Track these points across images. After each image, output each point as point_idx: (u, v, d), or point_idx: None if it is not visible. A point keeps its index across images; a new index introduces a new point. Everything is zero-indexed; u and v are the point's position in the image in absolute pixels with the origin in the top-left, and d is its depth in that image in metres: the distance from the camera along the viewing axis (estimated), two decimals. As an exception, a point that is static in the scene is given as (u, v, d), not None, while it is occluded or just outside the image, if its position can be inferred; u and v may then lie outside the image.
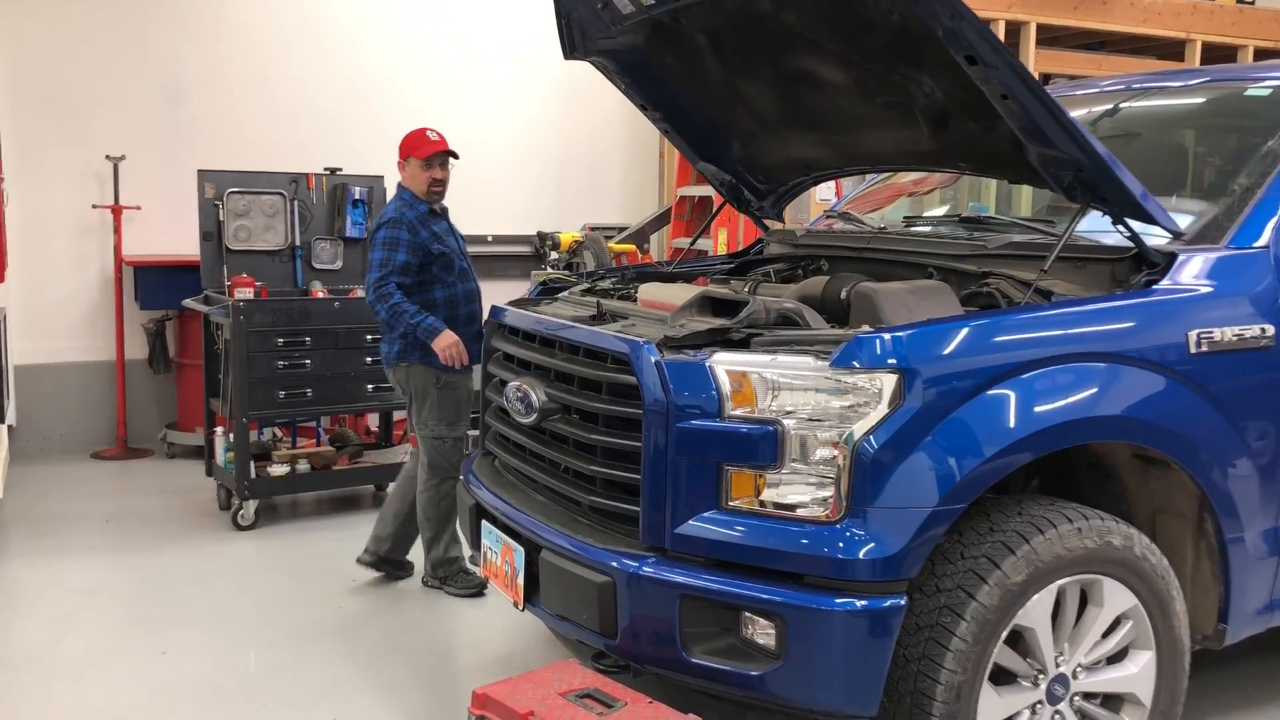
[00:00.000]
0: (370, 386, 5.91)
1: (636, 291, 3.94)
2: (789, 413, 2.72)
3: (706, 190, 7.89)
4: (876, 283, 3.18)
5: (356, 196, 6.42)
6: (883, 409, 2.65)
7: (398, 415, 6.76)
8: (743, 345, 2.88)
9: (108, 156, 7.11)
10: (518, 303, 3.89)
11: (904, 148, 3.60)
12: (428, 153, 4.67)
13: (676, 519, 2.82)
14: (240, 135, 7.48)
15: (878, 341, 2.69)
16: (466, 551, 4.71)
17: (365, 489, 6.40)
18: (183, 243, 6.93)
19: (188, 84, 7.41)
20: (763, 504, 2.75)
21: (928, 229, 3.83)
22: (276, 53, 7.66)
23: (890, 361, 2.67)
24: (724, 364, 2.79)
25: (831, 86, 3.52)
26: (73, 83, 7.13)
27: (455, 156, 4.74)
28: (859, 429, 2.65)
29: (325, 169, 6.67)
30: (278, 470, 5.80)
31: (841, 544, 2.65)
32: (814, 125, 3.83)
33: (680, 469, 2.82)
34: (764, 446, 2.72)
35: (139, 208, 7.21)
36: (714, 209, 7.39)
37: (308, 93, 7.73)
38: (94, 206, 7.14)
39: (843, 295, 3.24)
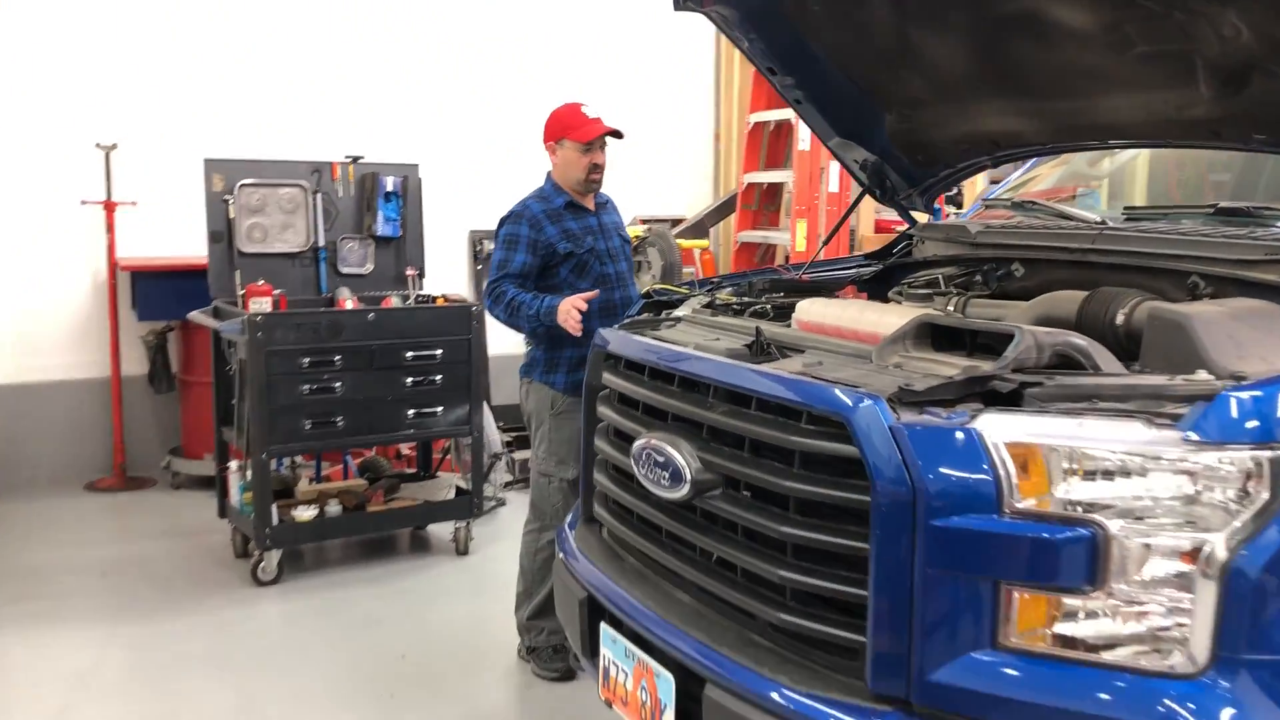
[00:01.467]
0: (411, 412, 5.01)
1: (771, 304, 3.08)
2: (1110, 508, 1.82)
3: (777, 176, 6.99)
4: (1172, 303, 2.27)
5: (389, 189, 5.50)
6: (1264, 504, 1.75)
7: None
8: (1012, 400, 1.97)
9: (98, 145, 6.20)
10: (630, 325, 2.99)
11: (1163, 115, 2.68)
12: (590, 135, 3.86)
13: (928, 660, 1.92)
14: (252, 120, 6.58)
15: (1244, 401, 1.78)
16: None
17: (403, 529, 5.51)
18: (187, 244, 6.03)
19: (190, 61, 6.49)
20: (1067, 643, 1.85)
21: (1171, 224, 2.91)
22: (294, 27, 6.74)
23: (1256, 427, 1.77)
24: (1003, 432, 1.89)
25: (1066, 34, 2.61)
26: (58, 59, 6.20)
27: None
28: (1229, 535, 1.75)
29: (347, 157, 5.74)
30: (304, 514, 4.90)
31: (1206, 710, 1.75)
32: (1022, 88, 2.91)
33: (933, 586, 1.92)
34: (1072, 558, 1.82)
35: (135, 203, 6.30)
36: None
37: (330, 73, 6.82)
38: (83, 203, 6.22)
39: (1119, 319, 2.33)
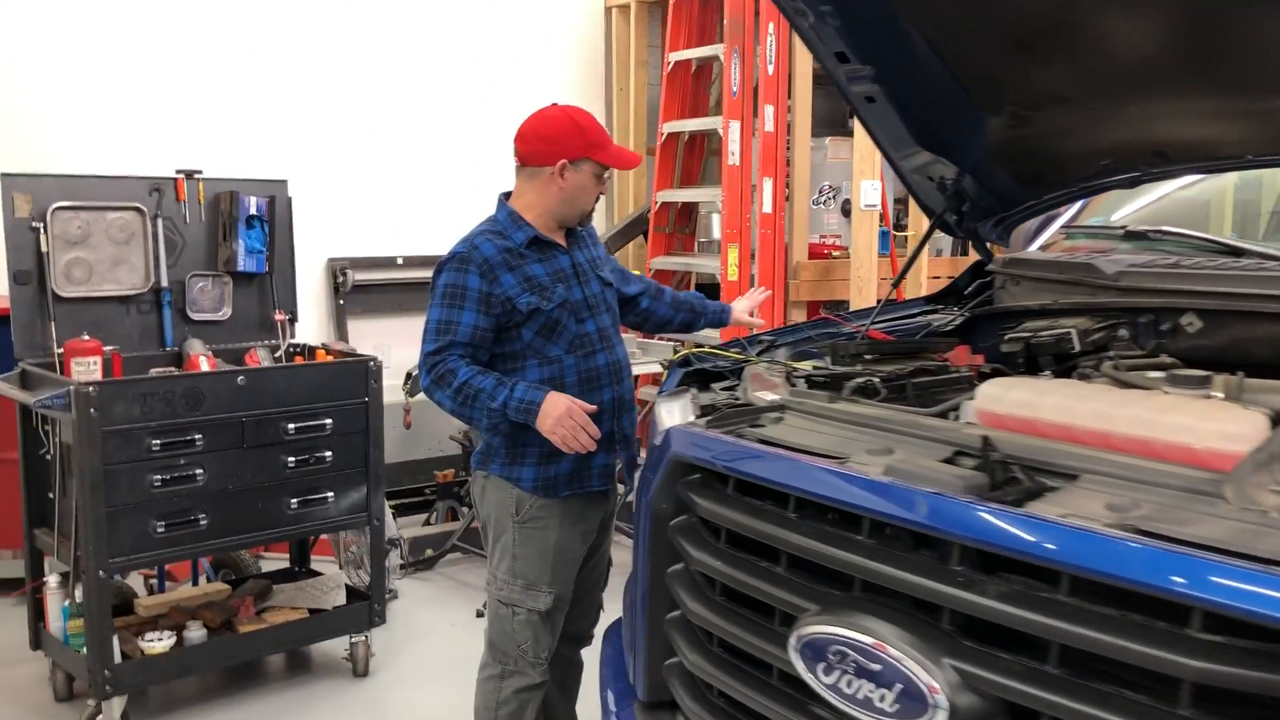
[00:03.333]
0: (294, 501, 3.88)
1: (876, 376, 2.24)
2: None
3: (696, 195, 6.13)
4: None
5: (253, 211, 4.33)
6: None
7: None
8: None
9: None
10: (718, 419, 2.05)
11: None
12: (630, 163, 3.00)
13: None
14: (63, 128, 5.25)
15: None
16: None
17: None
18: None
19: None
20: None
21: None
22: (118, 23, 5.44)
23: None
24: None
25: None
26: None
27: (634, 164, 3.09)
28: None
29: (179, 171, 4.50)
30: (156, 645, 3.70)
31: None
32: (1235, 81, 2.14)
33: None
34: None
35: (-100, 232, 4.89)
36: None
37: (161, 75, 5.55)
38: None
39: None
